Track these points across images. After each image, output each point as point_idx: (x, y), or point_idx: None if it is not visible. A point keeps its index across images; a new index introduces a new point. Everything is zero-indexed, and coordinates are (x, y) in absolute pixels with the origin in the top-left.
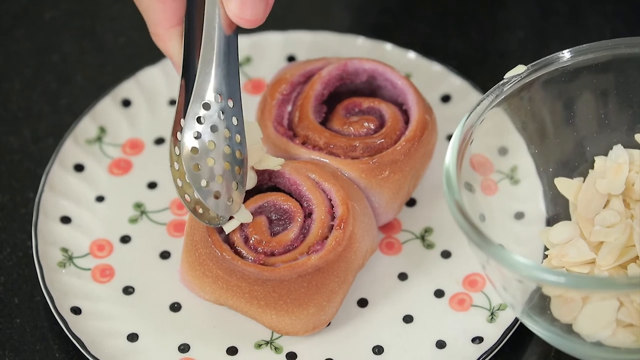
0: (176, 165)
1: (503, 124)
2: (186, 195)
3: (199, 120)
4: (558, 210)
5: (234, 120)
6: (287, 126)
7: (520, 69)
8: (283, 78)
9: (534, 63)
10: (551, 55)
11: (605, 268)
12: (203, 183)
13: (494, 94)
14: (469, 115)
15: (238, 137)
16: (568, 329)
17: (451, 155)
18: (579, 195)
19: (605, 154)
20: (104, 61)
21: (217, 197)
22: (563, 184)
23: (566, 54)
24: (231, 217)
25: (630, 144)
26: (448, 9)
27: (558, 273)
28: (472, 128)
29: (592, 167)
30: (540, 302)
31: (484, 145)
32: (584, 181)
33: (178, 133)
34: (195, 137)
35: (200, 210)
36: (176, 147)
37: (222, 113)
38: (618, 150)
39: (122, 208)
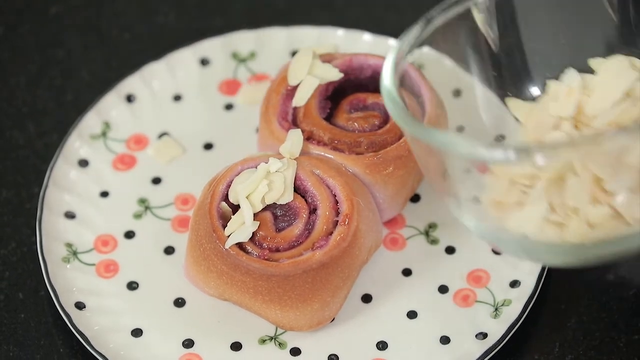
0: None
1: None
2: None
3: None
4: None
5: None
6: (292, 121)
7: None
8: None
9: None
10: None
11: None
12: None
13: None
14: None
15: None
16: (499, 225)
17: (389, 73)
18: (530, 117)
19: (558, 79)
20: (109, 56)
21: None
22: (515, 105)
23: None
24: None
25: (585, 69)
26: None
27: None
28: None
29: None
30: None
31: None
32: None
33: None
34: None
35: None
36: None
37: None
38: (571, 73)
39: (127, 203)
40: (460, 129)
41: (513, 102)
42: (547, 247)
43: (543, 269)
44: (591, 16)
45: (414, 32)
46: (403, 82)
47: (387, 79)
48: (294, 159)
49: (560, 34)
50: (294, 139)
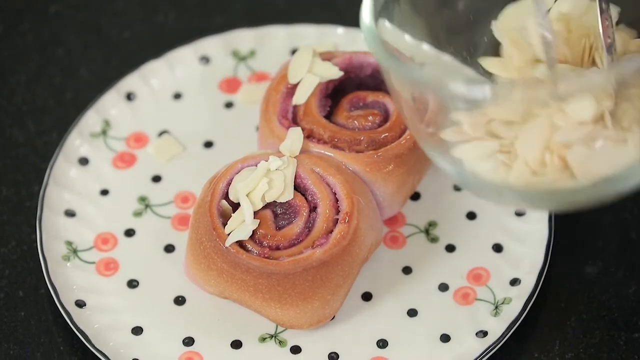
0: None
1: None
2: None
3: None
4: None
5: None
6: (292, 120)
7: None
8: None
9: None
10: None
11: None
12: None
13: None
14: None
15: None
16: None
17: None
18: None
19: None
20: (109, 55)
21: None
22: (488, 63)
23: None
24: None
25: None
26: None
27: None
28: None
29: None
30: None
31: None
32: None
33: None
34: None
35: None
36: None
37: None
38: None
39: (127, 201)
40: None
41: (486, 61)
42: (497, 187)
43: (543, 267)
44: None
45: None
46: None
47: (367, 15)
48: (294, 157)
49: None
50: (294, 137)
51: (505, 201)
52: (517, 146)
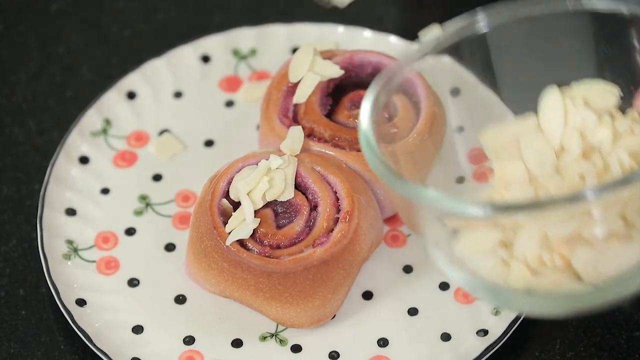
0: None
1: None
2: None
3: None
4: None
5: None
6: (293, 118)
7: (435, 29)
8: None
9: (452, 21)
10: (464, 22)
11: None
12: None
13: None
14: (381, 77)
15: None
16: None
17: (367, 116)
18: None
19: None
20: (110, 53)
21: None
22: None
23: (485, 13)
24: None
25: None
26: (455, 1)
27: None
28: (385, 86)
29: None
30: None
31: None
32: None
33: None
34: None
35: None
36: None
37: None
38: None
39: (127, 200)
40: (460, 129)
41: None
42: (495, 288)
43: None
44: (563, 44)
45: (393, 69)
46: (398, 84)
47: (365, 122)
48: (295, 156)
49: (532, 64)
50: (295, 135)
51: (508, 305)
52: (516, 242)
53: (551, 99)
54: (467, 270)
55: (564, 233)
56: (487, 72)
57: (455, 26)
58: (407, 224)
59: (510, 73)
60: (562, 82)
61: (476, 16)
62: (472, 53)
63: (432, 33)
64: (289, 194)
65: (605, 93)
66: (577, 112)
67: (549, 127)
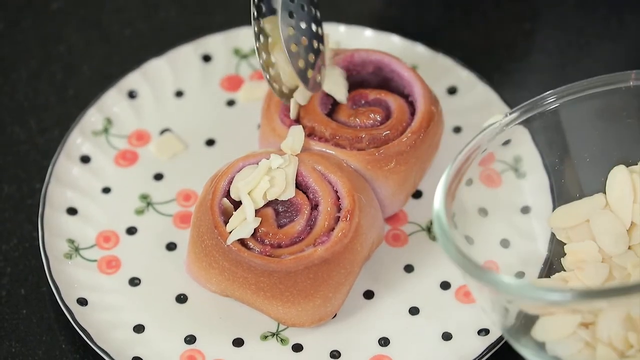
0: (264, 55)
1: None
2: (274, 84)
3: (290, 14)
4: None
5: (313, 12)
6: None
7: (498, 117)
8: None
9: (514, 109)
10: (534, 100)
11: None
12: (300, 63)
13: (478, 142)
14: (452, 165)
15: (315, 28)
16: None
17: (440, 200)
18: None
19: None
20: (110, 52)
21: (308, 75)
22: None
23: (550, 99)
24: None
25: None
26: (455, 0)
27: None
28: (458, 173)
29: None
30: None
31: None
32: None
33: (262, 21)
34: (289, 17)
35: (286, 91)
36: (261, 37)
37: (303, 8)
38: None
39: (128, 199)
40: (457, 130)
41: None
42: None
43: (545, 263)
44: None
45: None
46: (392, 84)
47: (438, 203)
48: (296, 155)
49: (599, 142)
50: (296, 135)
51: None
52: (598, 323)
53: (619, 176)
54: (551, 357)
55: None
56: (555, 150)
57: (523, 106)
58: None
59: (577, 152)
60: (629, 161)
61: (546, 95)
62: (542, 130)
63: (496, 118)
64: (289, 193)
65: None
66: None
67: (619, 205)
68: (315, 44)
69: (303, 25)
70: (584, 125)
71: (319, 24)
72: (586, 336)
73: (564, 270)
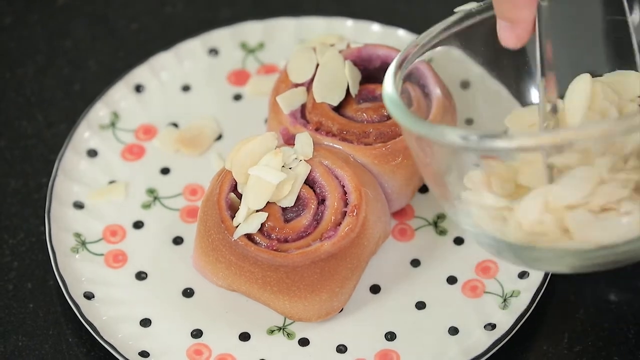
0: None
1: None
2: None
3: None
4: None
5: None
6: (301, 112)
7: (471, 4)
8: None
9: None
10: None
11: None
12: None
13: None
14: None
15: None
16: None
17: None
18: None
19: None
20: (117, 47)
21: None
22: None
23: None
24: None
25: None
26: None
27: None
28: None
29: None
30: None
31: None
32: None
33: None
34: None
35: None
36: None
37: None
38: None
39: (135, 193)
40: (469, 122)
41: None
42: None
43: None
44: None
45: (421, 39)
46: (410, 75)
47: (389, 86)
48: (307, 161)
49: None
50: (304, 142)
51: (504, 256)
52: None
53: (580, 84)
54: (472, 219)
55: (568, 200)
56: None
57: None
58: (430, 186)
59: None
60: (595, 71)
61: None
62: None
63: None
64: (289, 201)
65: (634, 82)
66: (602, 99)
67: (572, 110)
68: None
69: None
70: (556, 31)
71: None
72: (505, 213)
73: None
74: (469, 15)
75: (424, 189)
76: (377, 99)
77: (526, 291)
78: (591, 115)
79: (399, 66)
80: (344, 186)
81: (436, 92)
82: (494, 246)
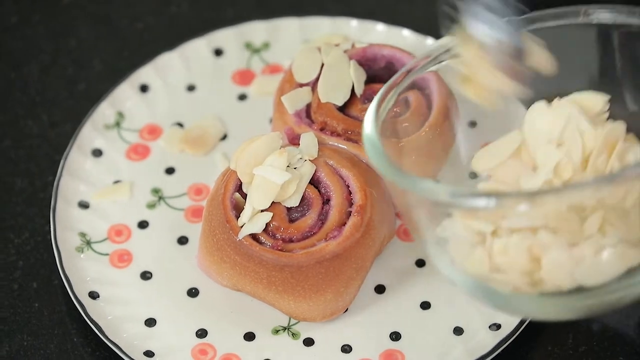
0: None
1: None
2: None
3: None
4: None
5: None
6: (305, 112)
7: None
8: None
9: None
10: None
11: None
12: None
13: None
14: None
15: None
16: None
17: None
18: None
19: None
20: (121, 46)
21: None
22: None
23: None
24: None
25: None
26: None
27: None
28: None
29: None
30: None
31: None
32: None
33: None
34: None
35: None
36: None
37: None
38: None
39: (140, 193)
40: (472, 124)
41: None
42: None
43: None
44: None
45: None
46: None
47: (369, 127)
48: (312, 160)
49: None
50: (308, 142)
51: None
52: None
53: (537, 111)
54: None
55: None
56: None
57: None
58: (409, 227)
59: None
60: (565, 93)
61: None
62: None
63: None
64: (294, 201)
65: (593, 101)
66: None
67: (533, 143)
68: None
69: None
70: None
71: None
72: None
73: None
74: (449, 49)
75: None
76: None
77: None
78: (561, 143)
79: (380, 104)
80: (348, 186)
81: (437, 95)
82: (468, 287)
